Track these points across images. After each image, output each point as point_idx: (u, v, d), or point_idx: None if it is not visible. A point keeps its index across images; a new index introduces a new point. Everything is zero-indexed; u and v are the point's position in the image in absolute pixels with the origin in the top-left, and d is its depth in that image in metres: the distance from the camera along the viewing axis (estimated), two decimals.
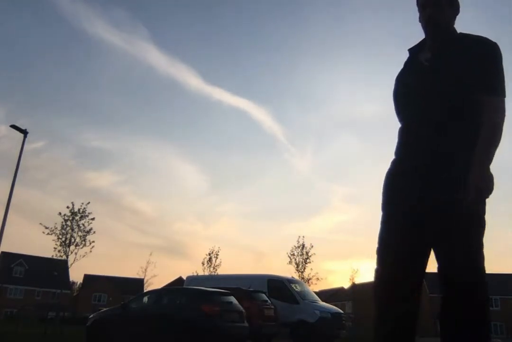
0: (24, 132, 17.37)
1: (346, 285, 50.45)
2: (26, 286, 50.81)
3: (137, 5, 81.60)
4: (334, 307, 14.87)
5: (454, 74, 1.89)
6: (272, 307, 11.85)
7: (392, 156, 2.08)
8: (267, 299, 12.13)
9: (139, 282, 52.02)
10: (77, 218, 18.28)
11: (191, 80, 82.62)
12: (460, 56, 1.92)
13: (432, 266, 1.93)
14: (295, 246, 24.97)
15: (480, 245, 1.80)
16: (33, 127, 56.18)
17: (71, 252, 17.68)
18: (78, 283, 67.64)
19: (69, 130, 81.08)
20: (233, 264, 69.73)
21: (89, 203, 18.81)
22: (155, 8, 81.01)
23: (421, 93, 1.95)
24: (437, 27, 2.03)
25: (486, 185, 1.75)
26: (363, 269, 44.32)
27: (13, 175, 16.95)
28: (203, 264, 24.94)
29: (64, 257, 17.80)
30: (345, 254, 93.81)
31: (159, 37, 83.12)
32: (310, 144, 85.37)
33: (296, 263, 24.52)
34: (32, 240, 72.72)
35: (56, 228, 17.92)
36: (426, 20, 2.04)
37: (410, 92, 2.02)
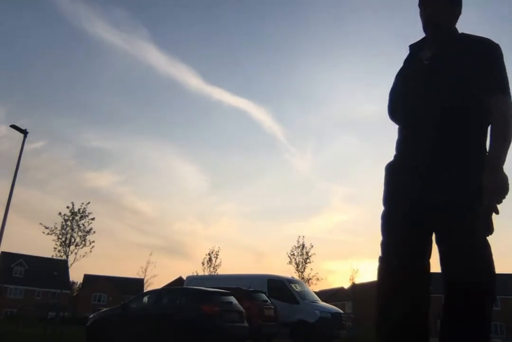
0: (24, 132, 17.37)
1: (346, 285, 50.47)
2: (26, 286, 50.79)
3: (137, 5, 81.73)
4: (334, 307, 14.86)
5: (454, 74, 1.88)
6: (272, 307, 11.85)
7: (391, 156, 2.08)
8: (267, 299, 12.12)
9: (139, 282, 52.01)
10: (77, 218, 18.31)
11: (191, 80, 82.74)
12: (461, 56, 1.91)
13: (433, 266, 1.93)
14: (295, 246, 24.99)
15: (484, 245, 1.80)
16: (33, 127, 56.20)
17: (71, 252, 17.70)
18: (78, 283, 67.75)
19: (69, 130, 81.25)
20: (233, 264, 69.74)
21: (89, 203, 18.85)
22: (155, 8, 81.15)
23: (421, 93, 1.95)
24: (437, 27, 2.02)
25: (502, 187, 1.73)
26: (363, 269, 44.41)
27: (13, 175, 16.96)
28: (203, 264, 24.96)
29: (64, 257, 17.83)
30: (345, 254, 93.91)
31: (159, 37, 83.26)
32: (310, 144, 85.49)
33: (296, 263, 24.53)
34: (32, 240, 72.76)
35: (56, 228, 17.94)
36: (426, 20, 2.03)
37: (409, 91, 2.01)
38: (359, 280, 43.57)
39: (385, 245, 1.93)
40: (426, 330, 1.87)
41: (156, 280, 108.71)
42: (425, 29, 2.07)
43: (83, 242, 17.91)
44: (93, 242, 18.20)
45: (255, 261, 75.83)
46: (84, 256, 17.86)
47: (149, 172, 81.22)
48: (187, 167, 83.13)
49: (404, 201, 1.91)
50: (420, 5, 2.06)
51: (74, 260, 17.71)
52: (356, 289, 43.21)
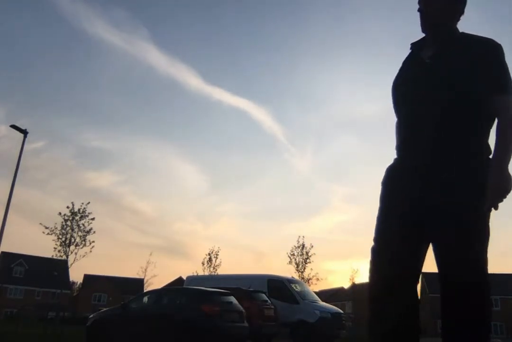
0: (24, 132, 17.37)
1: (346, 285, 50.52)
2: (26, 286, 50.79)
3: (137, 5, 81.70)
4: (334, 307, 14.87)
5: (455, 74, 1.87)
6: (272, 307, 11.85)
7: (392, 156, 2.08)
8: (267, 299, 12.13)
9: (139, 282, 52.01)
10: (77, 218, 18.31)
11: (191, 80, 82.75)
12: (462, 56, 1.90)
13: (432, 266, 1.93)
14: (295, 246, 25.00)
15: (482, 245, 1.79)
16: (33, 127, 56.21)
17: (71, 252, 17.71)
18: (78, 283, 67.73)
19: (69, 130, 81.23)
20: (233, 264, 69.80)
21: (89, 203, 18.85)
22: (155, 8, 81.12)
23: (421, 93, 1.94)
24: (436, 27, 2.02)
25: (505, 188, 1.73)
26: (363, 269, 44.34)
27: (13, 175, 16.97)
28: (203, 264, 24.96)
29: (64, 257, 17.83)
30: (345, 254, 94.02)
31: (159, 37, 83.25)
32: (310, 144, 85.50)
33: (296, 263, 24.54)
34: (32, 240, 72.52)
35: (56, 228, 17.95)
36: (425, 20, 2.02)
37: (409, 91, 2.01)
38: (359, 280, 43.64)
39: (382, 244, 1.93)
40: (418, 331, 1.87)
41: (156, 280, 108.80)
42: (424, 29, 2.06)
43: (83, 242, 17.93)
44: (93, 242, 18.22)
45: (255, 261, 75.95)
46: (84, 256, 17.87)
47: (149, 172, 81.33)
48: (187, 167, 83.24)
49: (403, 201, 1.90)
50: (419, 4, 2.03)
51: (74, 260, 17.73)
52: (356, 289, 43.21)
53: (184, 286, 14.57)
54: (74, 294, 61.69)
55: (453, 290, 1.78)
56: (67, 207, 18.49)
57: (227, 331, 8.83)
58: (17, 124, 17.28)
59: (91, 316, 10.69)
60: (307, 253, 24.81)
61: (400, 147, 2.03)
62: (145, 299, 10.34)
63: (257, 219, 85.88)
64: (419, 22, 2.06)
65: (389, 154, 2.12)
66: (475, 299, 1.73)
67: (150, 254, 62.23)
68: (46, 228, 17.83)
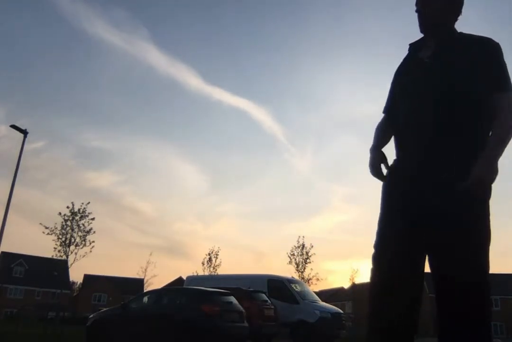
0: (24, 132, 17.38)
1: (346, 285, 50.52)
2: (26, 286, 50.78)
3: (137, 5, 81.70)
4: (334, 307, 14.87)
5: (455, 73, 1.87)
6: (272, 307, 11.85)
7: (391, 156, 2.09)
8: (267, 299, 12.13)
9: (139, 282, 52.00)
10: (77, 218, 18.30)
11: (191, 80, 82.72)
12: (461, 55, 1.90)
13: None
14: (295, 246, 24.99)
15: (482, 245, 1.79)
16: (33, 127, 56.23)
17: (71, 252, 17.70)
18: (78, 283, 67.73)
19: (69, 130, 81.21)
20: (233, 264, 69.80)
21: (89, 203, 18.84)
22: (155, 8, 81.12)
23: (421, 92, 1.94)
24: (436, 27, 2.02)
25: (489, 179, 1.75)
26: (363, 269, 44.31)
27: (13, 175, 16.97)
28: (203, 264, 24.95)
29: (64, 257, 17.82)
30: (345, 254, 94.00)
31: (159, 37, 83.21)
32: (310, 144, 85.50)
33: (296, 263, 24.53)
34: (32, 240, 72.55)
35: (56, 228, 17.94)
36: (423, 20, 2.02)
37: (408, 90, 2.00)
38: (359, 280, 43.65)
39: (383, 246, 1.93)
40: (414, 331, 1.87)
41: (156, 280, 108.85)
42: (423, 29, 2.06)
43: (83, 242, 17.92)
44: (93, 242, 18.21)
45: (255, 261, 75.94)
46: (84, 256, 17.86)
47: (149, 172, 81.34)
48: (187, 167, 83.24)
49: (402, 203, 1.90)
50: (417, 5, 2.04)
51: (74, 260, 17.72)
52: (356, 289, 43.21)
53: (184, 286, 14.57)
54: (74, 294, 61.68)
55: (452, 290, 1.76)
56: (67, 207, 18.49)
57: (227, 331, 8.83)
58: (17, 124, 17.31)
59: (91, 316, 10.69)
60: (307, 253, 24.82)
61: (399, 148, 2.03)
62: (145, 299, 10.34)
63: (257, 219, 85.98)
64: (418, 23, 2.06)
65: (389, 154, 2.13)
66: (475, 299, 1.72)
67: (150, 254, 62.30)
68: (46, 228, 17.83)
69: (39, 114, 76.24)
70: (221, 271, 24.09)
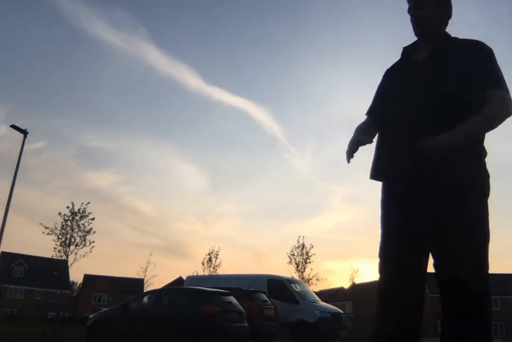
0: (24, 132, 17.37)
1: (346, 285, 50.46)
2: (26, 286, 50.79)
3: (137, 5, 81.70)
4: (334, 307, 14.87)
5: (451, 73, 1.88)
6: (272, 307, 11.85)
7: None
8: (267, 299, 12.12)
9: (139, 282, 51.98)
10: (77, 218, 18.26)
11: (191, 80, 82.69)
12: (456, 56, 1.92)
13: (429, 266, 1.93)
14: (295, 246, 24.97)
15: (482, 246, 1.79)
16: (33, 127, 56.04)
17: (71, 252, 17.67)
18: (78, 283, 67.74)
19: (69, 130, 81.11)
20: (233, 264, 69.74)
21: (89, 203, 18.80)
22: (155, 8, 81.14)
23: (416, 92, 1.93)
24: (432, 29, 2.04)
25: (449, 150, 1.75)
26: (363, 269, 44.37)
27: (13, 175, 16.96)
28: (203, 264, 24.93)
29: (64, 257, 17.80)
30: (345, 254, 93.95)
31: (159, 37, 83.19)
32: (310, 144, 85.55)
33: (296, 263, 24.51)
34: (32, 240, 72.44)
35: (56, 228, 17.90)
36: (420, 23, 2.04)
37: (402, 90, 2.00)
38: (359, 280, 43.63)
39: (385, 251, 1.94)
40: (418, 332, 1.87)
41: (156, 280, 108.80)
42: (418, 32, 2.07)
43: (83, 242, 17.88)
44: (93, 242, 18.17)
45: (255, 261, 75.94)
46: (84, 256, 17.83)
47: (149, 172, 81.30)
48: (187, 167, 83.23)
49: (401, 204, 1.91)
50: (411, 9, 2.06)
51: (74, 260, 17.68)
52: (356, 289, 43.22)
53: (184, 286, 14.57)
54: (74, 294, 61.68)
55: (453, 290, 1.77)
56: (67, 207, 18.46)
57: (227, 331, 8.84)
58: (17, 124, 17.29)
59: (91, 316, 10.70)
60: (307, 253, 24.79)
61: (389, 148, 2.02)
62: (145, 299, 10.34)
63: (257, 219, 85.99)
64: (412, 26, 2.08)
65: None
66: (476, 298, 1.73)
67: (150, 254, 62.08)
68: (46, 228, 17.80)
69: (39, 114, 76.35)
70: (221, 271, 24.09)
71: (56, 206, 76.49)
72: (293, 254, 24.81)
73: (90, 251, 17.93)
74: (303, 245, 24.98)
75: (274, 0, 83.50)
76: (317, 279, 24.79)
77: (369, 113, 2.21)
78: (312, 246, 25.04)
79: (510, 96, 1.85)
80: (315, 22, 78.04)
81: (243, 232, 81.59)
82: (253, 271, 22.25)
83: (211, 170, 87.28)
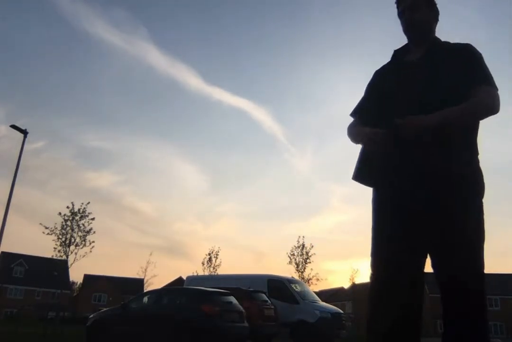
0: (24, 132, 17.37)
1: (346, 285, 50.52)
2: (26, 286, 50.78)
3: (137, 5, 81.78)
4: (334, 307, 14.87)
5: (446, 72, 1.90)
6: (272, 307, 11.85)
7: None
8: (267, 299, 12.13)
9: (139, 282, 51.98)
10: (77, 218, 18.27)
11: (191, 80, 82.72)
12: (448, 56, 1.95)
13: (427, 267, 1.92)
14: (295, 246, 24.97)
15: (479, 245, 1.79)
16: (33, 127, 56.10)
17: (71, 252, 17.67)
18: (78, 283, 67.73)
19: (69, 130, 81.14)
20: (233, 264, 69.76)
21: (89, 203, 18.81)
22: (155, 8, 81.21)
23: (411, 93, 1.94)
24: (425, 31, 2.07)
25: (424, 127, 1.75)
26: (363, 269, 44.33)
27: (13, 175, 16.96)
28: (203, 264, 24.93)
29: (64, 257, 17.80)
30: (345, 254, 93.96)
31: (159, 37, 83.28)
32: (310, 144, 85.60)
33: (296, 263, 24.51)
34: (32, 240, 72.42)
35: (56, 228, 17.91)
36: (413, 25, 2.06)
37: (396, 90, 2.00)
38: (359, 280, 43.65)
39: (380, 249, 1.93)
40: (419, 334, 1.87)
41: (156, 280, 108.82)
42: (411, 34, 2.09)
43: (83, 242, 17.89)
44: (93, 242, 18.17)
45: (255, 261, 75.95)
46: (84, 256, 17.83)
47: (149, 172, 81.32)
48: (187, 167, 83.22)
49: (393, 204, 1.90)
50: (403, 12, 2.07)
51: (74, 260, 17.69)
52: (356, 289, 43.20)
53: (184, 286, 14.57)
54: (74, 294, 61.66)
55: (451, 290, 1.77)
56: (67, 207, 18.46)
57: (227, 331, 8.84)
58: (17, 124, 17.29)
59: (91, 316, 10.70)
60: (307, 253, 24.80)
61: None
62: (145, 299, 10.35)
63: (257, 219, 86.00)
64: (404, 29, 2.10)
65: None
66: (475, 299, 1.73)
67: (150, 254, 62.05)
68: (46, 228, 17.80)
69: (39, 114, 76.40)
70: (221, 271, 24.09)
71: (56, 206, 76.50)
72: (293, 254, 24.82)
73: (90, 251, 17.94)
74: (303, 245, 25.00)
75: (274, 0, 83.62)
76: (317, 279, 24.81)
77: (358, 113, 2.18)
78: (312, 246, 25.06)
79: (497, 93, 1.88)
80: (315, 22, 78.13)
81: (243, 232, 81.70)
82: (253, 271, 22.29)
83: (211, 170, 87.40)
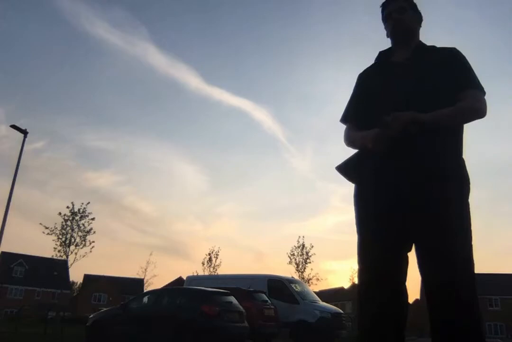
0: (24, 132, 17.38)
1: (346, 285, 50.55)
2: (26, 286, 50.77)
3: (137, 5, 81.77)
4: (334, 307, 14.86)
5: (434, 73, 1.92)
6: (272, 307, 11.85)
7: None
8: (267, 299, 12.13)
9: (139, 282, 52.02)
10: (77, 218, 18.35)
11: (191, 80, 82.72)
12: (436, 60, 1.97)
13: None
14: (295, 246, 25.06)
15: (468, 244, 1.77)
16: (33, 127, 56.18)
17: (71, 252, 17.73)
18: (78, 283, 67.77)
19: (69, 130, 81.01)
20: (233, 264, 69.81)
21: (89, 203, 18.89)
22: (155, 8, 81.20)
23: (401, 91, 1.94)
24: (411, 33, 2.10)
25: (415, 124, 1.75)
26: None
27: (13, 175, 16.97)
28: (203, 264, 25.03)
29: (64, 257, 17.85)
30: (345, 254, 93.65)
31: (159, 37, 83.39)
32: (310, 144, 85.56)
33: (296, 263, 24.59)
34: (32, 240, 72.66)
35: (56, 228, 17.99)
36: (401, 26, 2.08)
37: (386, 91, 2.00)
38: None
39: (365, 247, 1.97)
40: (404, 325, 1.86)
41: (156, 280, 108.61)
42: (397, 36, 2.11)
43: (83, 242, 17.97)
44: (93, 242, 18.27)
45: (255, 261, 75.97)
46: (84, 256, 17.90)
47: (149, 172, 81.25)
48: (187, 167, 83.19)
49: (377, 206, 1.90)
50: (390, 14, 2.09)
51: (74, 260, 17.77)
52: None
53: (184, 286, 14.57)
54: (74, 294, 61.67)
55: (438, 293, 1.73)
56: (67, 207, 18.56)
57: (227, 331, 8.83)
58: (17, 124, 17.32)
59: (91, 316, 10.69)
60: (307, 253, 24.89)
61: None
62: (145, 299, 10.34)
63: (257, 219, 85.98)
64: (389, 31, 2.14)
65: None
66: (466, 298, 1.70)
67: (150, 254, 62.37)
68: (46, 228, 17.88)
69: (39, 114, 76.25)
70: (221, 271, 24.16)
71: (56, 206, 76.62)
72: (293, 254, 24.90)
73: (90, 251, 18.03)
74: (303, 245, 25.07)
75: (274, 0, 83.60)
76: (317, 279, 24.91)
77: (349, 118, 2.16)
78: (312, 246, 25.13)
79: (484, 98, 1.92)
80: (315, 22, 78.18)
81: (243, 232, 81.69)
82: (253, 271, 22.29)
83: (211, 170, 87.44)
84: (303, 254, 24.94)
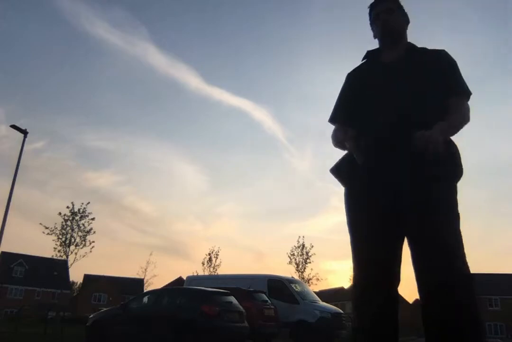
0: (24, 132, 17.38)
1: (346, 285, 50.50)
2: (26, 286, 50.76)
3: (137, 5, 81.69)
4: (334, 307, 14.86)
5: (424, 74, 1.93)
6: (272, 307, 11.85)
7: None
8: (267, 299, 12.13)
9: (139, 282, 52.02)
10: (77, 218, 18.37)
11: (191, 80, 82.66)
12: (426, 62, 1.98)
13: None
14: (295, 246, 25.05)
15: (457, 240, 1.76)
16: (33, 127, 56.18)
17: (71, 252, 17.74)
18: (78, 283, 67.77)
19: (69, 130, 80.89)
20: (233, 264, 69.79)
21: (89, 203, 18.90)
22: (155, 8, 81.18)
23: (392, 92, 1.95)
24: (400, 34, 2.10)
25: (438, 143, 1.72)
26: None
27: (13, 175, 16.97)
28: (203, 264, 25.04)
29: (64, 257, 17.86)
30: (345, 254, 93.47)
31: (159, 37, 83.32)
32: (310, 144, 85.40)
33: (296, 263, 24.58)
34: (32, 240, 72.61)
35: (56, 228, 18.00)
36: (389, 27, 2.08)
37: (376, 92, 2.00)
38: None
39: (358, 241, 1.94)
40: (396, 329, 1.86)
41: (156, 280, 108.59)
42: (386, 37, 2.11)
43: (83, 242, 17.98)
44: (93, 242, 18.27)
45: (255, 261, 75.92)
46: (84, 256, 17.91)
47: (149, 172, 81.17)
48: (187, 167, 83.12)
49: (371, 204, 1.90)
50: (378, 15, 2.09)
51: (74, 260, 17.77)
52: None
53: (184, 286, 14.57)
54: (74, 294, 61.66)
55: (433, 292, 1.73)
56: (67, 207, 18.57)
57: (227, 331, 8.83)
58: (17, 124, 17.32)
59: (91, 316, 10.69)
60: (307, 253, 24.88)
61: (366, 149, 2.01)
62: (145, 299, 10.33)
63: (257, 219, 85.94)
64: (378, 32, 2.13)
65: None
66: (463, 298, 1.68)
67: (150, 254, 62.34)
68: (46, 228, 17.88)
69: (39, 114, 76.18)
70: (221, 271, 24.16)
71: (56, 206, 76.60)
72: (293, 254, 24.90)
73: (90, 251, 18.04)
74: (303, 245, 25.07)
75: (274, 0, 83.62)
76: (317, 279, 24.89)
77: (337, 119, 2.15)
78: (312, 246, 25.12)
79: (468, 104, 1.96)
80: (315, 22, 78.15)
81: (243, 232, 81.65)
82: (253, 271, 22.29)
83: (211, 170, 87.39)
84: (303, 254, 24.96)
